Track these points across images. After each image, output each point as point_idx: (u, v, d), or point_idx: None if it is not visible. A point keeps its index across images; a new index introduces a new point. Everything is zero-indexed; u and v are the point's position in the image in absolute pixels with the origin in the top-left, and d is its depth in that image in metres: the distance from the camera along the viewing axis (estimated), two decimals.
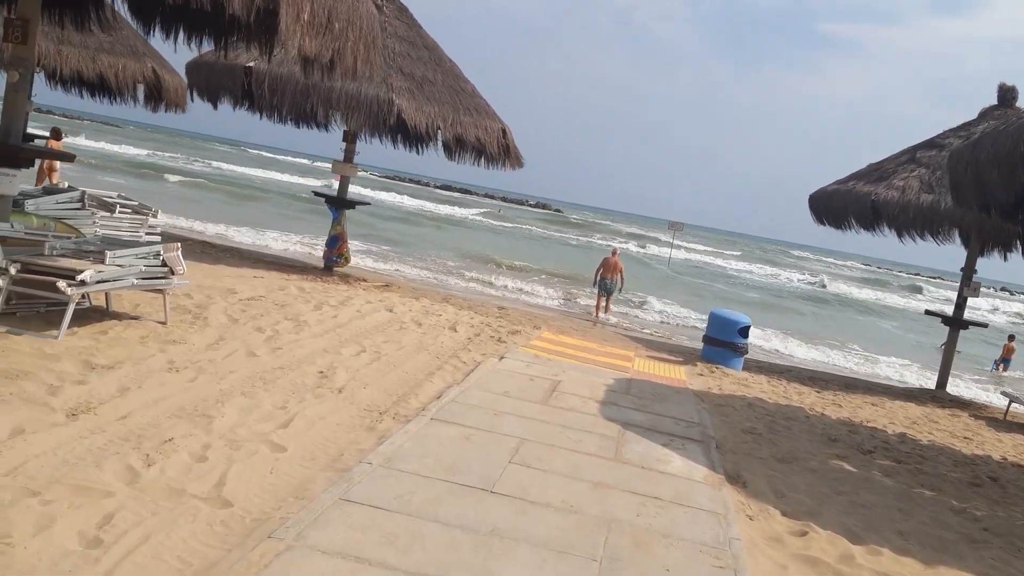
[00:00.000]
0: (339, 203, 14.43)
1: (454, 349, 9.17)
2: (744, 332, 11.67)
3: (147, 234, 10.16)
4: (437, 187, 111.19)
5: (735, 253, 76.82)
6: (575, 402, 7.32)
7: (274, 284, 11.53)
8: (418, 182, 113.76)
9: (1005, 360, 24.06)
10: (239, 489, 4.33)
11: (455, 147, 13.51)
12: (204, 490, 4.25)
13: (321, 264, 14.76)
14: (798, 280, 53.18)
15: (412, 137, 15.70)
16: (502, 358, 8.91)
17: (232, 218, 25.19)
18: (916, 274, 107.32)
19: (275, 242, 21.47)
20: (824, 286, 50.35)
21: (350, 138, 14.35)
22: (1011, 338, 23.70)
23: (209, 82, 13.35)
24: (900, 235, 14.21)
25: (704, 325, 20.97)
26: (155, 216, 10.29)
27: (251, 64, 12.46)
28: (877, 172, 14.30)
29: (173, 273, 7.83)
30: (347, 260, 14.62)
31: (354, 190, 27.84)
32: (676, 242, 47.51)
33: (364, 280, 14.56)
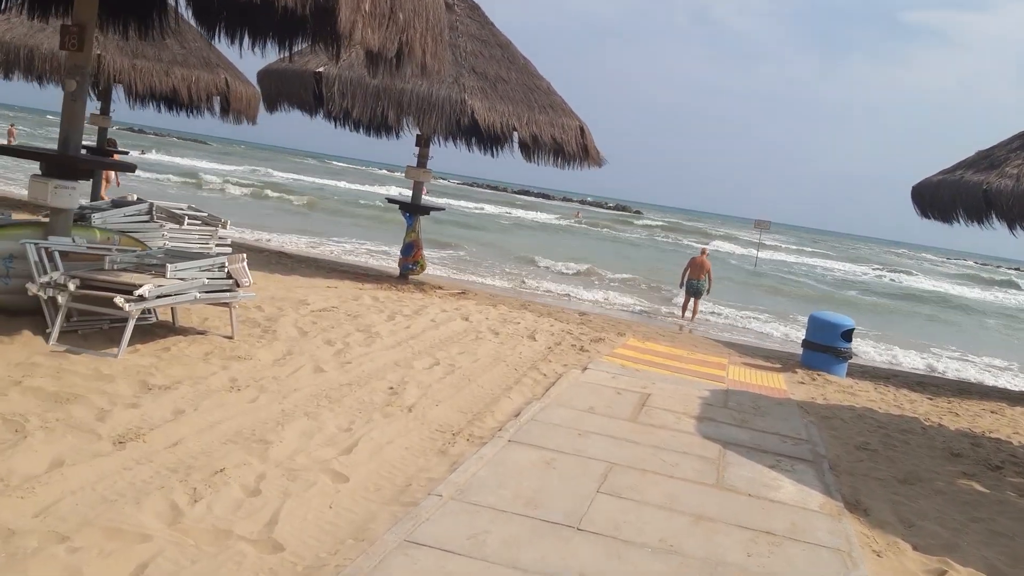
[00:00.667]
0: (413, 209, 14.04)
1: (533, 360, 8.60)
2: (848, 336, 10.78)
3: (217, 245, 9.92)
4: (514, 192, 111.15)
5: (824, 251, 74.33)
6: (668, 418, 6.66)
7: (347, 294, 11.17)
8: (496, 187, 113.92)
9: None
10: (292, 529, 3.84)
11: (532, 147, 12.96)
12: (253, 531, 3.76)
13: (396, 272, 14.38)
14: (889, 278, 50.91)
15: (487, 139, 15.28)
16: (585, 369, 8.29)
17: (311, 228, 25.23)
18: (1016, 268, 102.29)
19: (353, 251, 21.32)
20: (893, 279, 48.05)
21: (423, 142, 13.96)
22: None
23: (280, 90, 13.12)
24: (1012, 227, 13.06)
25: (801, 328, 20.31)
26: (225, 227, 10.03)
27: (321, 69, 12.15)
28: (987, 160, 13.15)
29: (239, 286, 7.48)
30: (423, 267, 14.21)
31: (431, 198, 27.66)
32: (763, 241, 46.01)
33: (440, 288, 14.12)
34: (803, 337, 11.33)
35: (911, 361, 16.88)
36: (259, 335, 7.78)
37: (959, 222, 13.76)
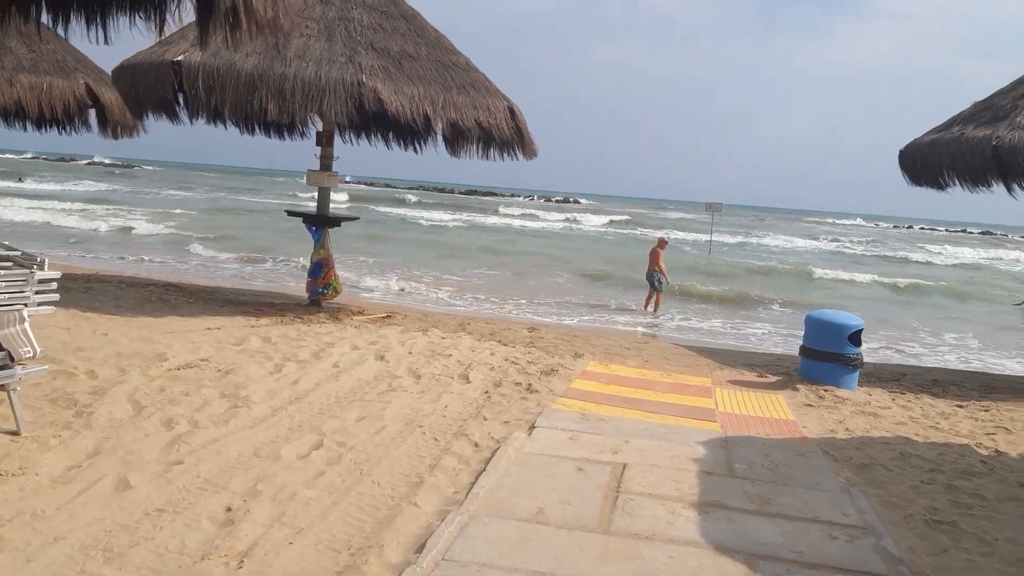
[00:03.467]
0: (320, 221, 11.68)
1: (463, 418, 6.31)
2: (856, 339, 8.69)
3: (39, 292, 7.48)
4: (462, 192, 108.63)
5: (776, 229, 73.14)
6: (657, 515, 4.42)
7: (231, 337, 8.80)
8: (442, 190, 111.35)
9: None
10: None
11: (453, 136, 10.68)
12: None
13: (308, 298, 11.99)
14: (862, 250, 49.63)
15: (404, 132, 12.99)
16: (533, 428, 6.01)
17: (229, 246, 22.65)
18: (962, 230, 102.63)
19: (273, 272, 18.86)
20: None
21: (325, 140, 11.60)
22: None
23: (137, 89, 10.63)
24: None
25: (775, 317, 18.37)
26: (42, 268, 7.56)
27: (180, 58, 9.73)
28: (989, 111, 11.18)
29: (13, 360, 5.12)
30: (336, 290, 11.84)
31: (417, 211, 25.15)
32: (716, 223, 44.26)
33: (361, 312, 11.79)
34: (800, 343, 9.17)
35: (892, 342, 14.97)
36: (66, 422, 5.44)
37: (958, 186, 11.87)
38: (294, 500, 4.33)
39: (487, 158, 11.78)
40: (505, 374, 8.07)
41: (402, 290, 17.78)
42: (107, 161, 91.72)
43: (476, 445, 5.60)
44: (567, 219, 57.40)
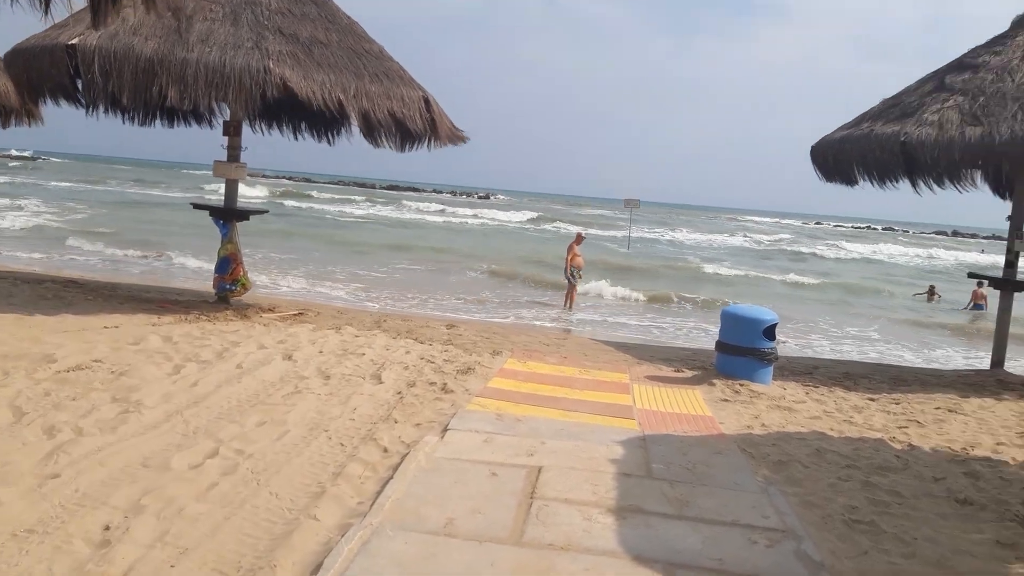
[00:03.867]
0: (227, 214, 11.18)
1: (373, 421, 6.01)
2: (771, 333, 8.69)
3: None
4: (383, 187, 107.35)
5: (691, 225, 74.48)
6: (573, 522, 4.21)
7: (128, 335, 8.29)
8: (363, 184, 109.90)
9: (977, 306, 23.07)
10: None
11: (366, 126, 10.31)
12: None
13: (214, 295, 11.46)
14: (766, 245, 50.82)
15: (317, 121, 12.58)
16: (446, 430, 5.75)
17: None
18: (867, 226, 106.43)
19: (174, 268, 18.11)
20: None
21: (232, 129, 11.10)
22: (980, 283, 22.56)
23: (31, 75, 9.96)
24: (938, 182, 11.47)
25: (690, 311, 18.51)
26: None
27: (75, 41, 9.14)
28: (897, 108, 11.38)
29: None
30: (245, 287, 11.36)
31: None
32: (634, 218, 44.70)
33: (271, 310, 11.33)
34: (716, 337, 9.14)
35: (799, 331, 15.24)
36: None
37: (868, 182, 12.08)
38: (181, 516, 3.98)
39: (404, 150, 11.48)
40: (420, 373, 7.79)
41: (310, 288, 17.30)
42: (15, 152, 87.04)
43: (385, 450, 5.31)
44: (476, 215, 57.00)
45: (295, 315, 11.29)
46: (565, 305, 17.45)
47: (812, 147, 12.39)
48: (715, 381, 8.69)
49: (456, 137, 11.47)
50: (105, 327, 8.74)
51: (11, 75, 10.81)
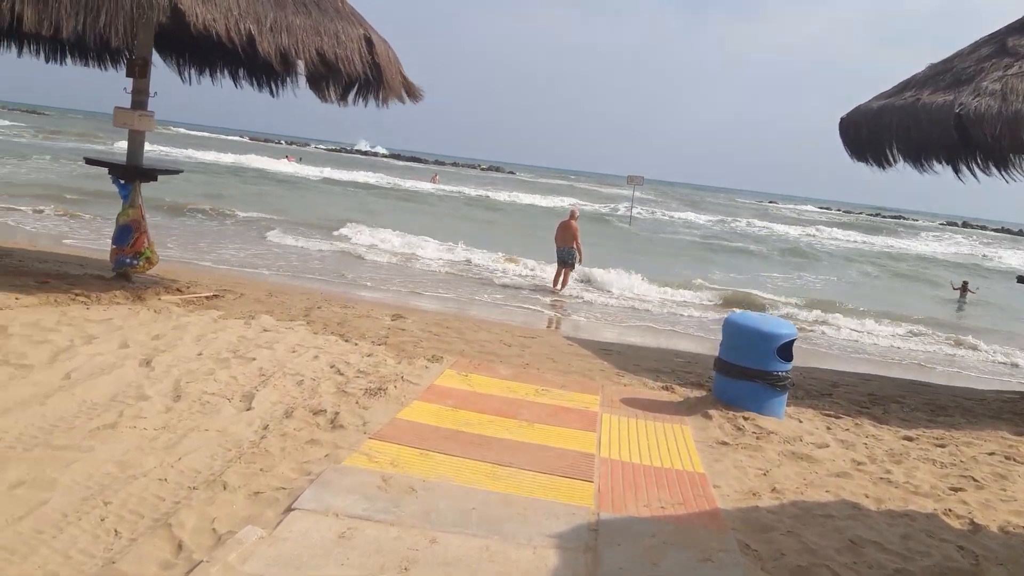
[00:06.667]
0: (129, 174, 9.19)
1: (191, 484, 4.00)
2: (786, 352, 6.68)
3: None
4: (387, 156, 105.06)
5: (697, 205, 72.34)
6: None
7: None
8: (365, 152, 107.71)
9: None
10: None
11: (282, 68, 8.28)
12: None
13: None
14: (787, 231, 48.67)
15: (257, 69, 10.54)
16: (288, 512, 3.76)
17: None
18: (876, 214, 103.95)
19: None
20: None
21: (137, 70, 9.08)
22: None
23: None
24: (1003, 165, 9.51)
25: (686, 296, 16.43)
26: None
27: None
28: (949, 74, 9.30)
29: None
30: (150, 261, 9.36)
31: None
32: (637, 195, 42.59)
33: (180, 290, 9.37)
34: (716, 353, 7.12)
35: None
36: None
37: (906, 162, 10.13)
38: None
39: (345, 102, 9.50)
40: (313, 393, 5.81)
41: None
42: None
43: (179, 547, 3.35)
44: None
45: (209, 297, 9.34)
46: (555, 288, 15.55)
47: (842, 118, 10.35)
48: (712, 411, 6.69)
49: (410, 92, 9.45)
50: None
51: None
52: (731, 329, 6.80)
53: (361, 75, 8.47)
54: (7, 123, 63.05)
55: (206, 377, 5.82)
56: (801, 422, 6.93)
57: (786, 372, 6.68)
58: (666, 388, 7.74)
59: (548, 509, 4.08)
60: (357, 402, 5.66)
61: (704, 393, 7.45)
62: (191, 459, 4.28)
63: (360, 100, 9.26)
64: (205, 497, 3.83)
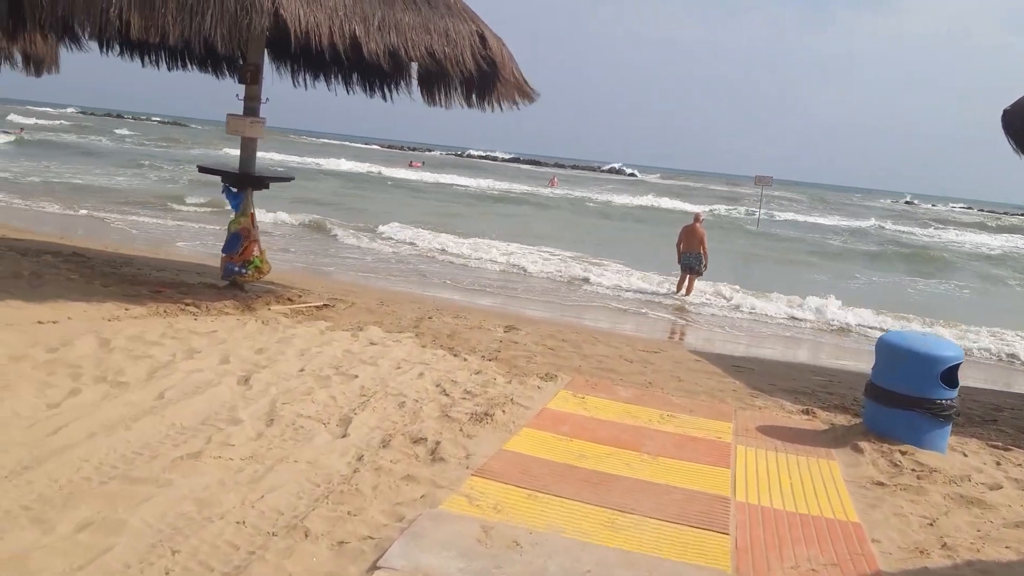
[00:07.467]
0: (240, 181, 9.07)
1: (270, 530, 3.56)
2: (951, 377, 5.79)
3: None
4: (506, 160, 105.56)
5: (831, 207, 69.11)
6: None
7: (57, 335, 6.22)
8: (486, 157, 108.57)
9: None
10: None
11: (393, 69, 7.91)
12: None
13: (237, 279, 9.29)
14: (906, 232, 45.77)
15: (371, 73, 10.28)
16: (373, 573, 3.25)
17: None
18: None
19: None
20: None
21: (249, 76, 8.95)
22: None
23: None
24: None
25: (822, 307, 15.13)
26: None
27: None
28: None
29: None
30: (261, 270, 9.20)
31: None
32: (766, 196, 40.91)
33: (291, 300, 9.19)
34: (868, 377, 6.27)
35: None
36: None
37: None
38: None
39: (466, 106, 9.14)
40: (413, 417, 5.34)
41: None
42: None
43: None
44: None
45: (318, 307, 9.10)
46: (678, 293, 14.84)
47: (1006, 110, 9.23)
48: (863, 444, 5.86)
49: (523, 94, 8.96)
50: (40, 322, 6.72)
51: None
52: (886, 350, 5.94)
53: (474, 73, 8.02)
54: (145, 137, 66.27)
55: (303, 398, 5.45)
56: (966, 455, 6.01)
57: (951, 400, 5.78)
58: (806, 412, 6.93)
59: (676, 573, 3.45)
60: (461, 429, 5.16)
61: (850, 419, 6.62)
62: (275, 497, 3.86)
63: (473, 103, 8.83)
64: (283, 547, 3.39)
